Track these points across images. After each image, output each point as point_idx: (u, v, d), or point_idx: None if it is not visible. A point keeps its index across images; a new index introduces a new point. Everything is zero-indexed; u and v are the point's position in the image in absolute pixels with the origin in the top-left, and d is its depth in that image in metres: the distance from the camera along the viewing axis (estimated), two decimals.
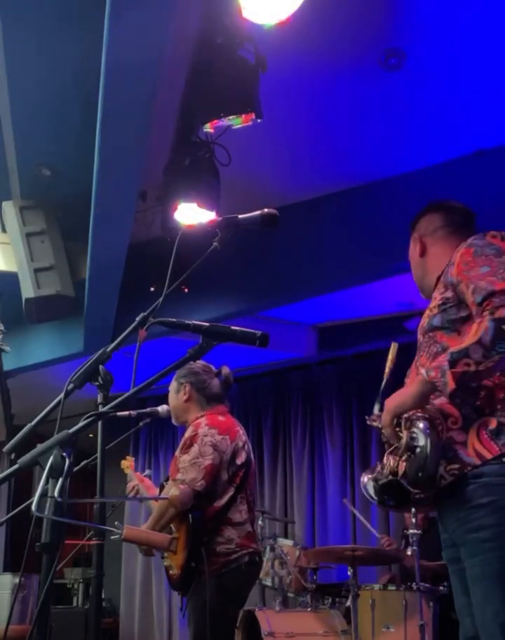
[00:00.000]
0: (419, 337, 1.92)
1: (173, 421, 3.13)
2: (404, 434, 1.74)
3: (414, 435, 1.71)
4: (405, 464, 1.73)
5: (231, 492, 2.83)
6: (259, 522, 4.80)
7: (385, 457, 1.86)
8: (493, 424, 1.67)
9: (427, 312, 1.91)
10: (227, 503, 2.81)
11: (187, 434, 2.92)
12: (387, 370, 2.07)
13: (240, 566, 2.76)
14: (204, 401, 3.02)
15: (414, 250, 2.12)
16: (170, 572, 2.87)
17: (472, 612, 1.75)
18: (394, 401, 1.79)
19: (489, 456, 1.65)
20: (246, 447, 2.97)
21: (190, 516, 2.75)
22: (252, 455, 3.01)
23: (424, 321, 1.91)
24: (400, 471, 1.75)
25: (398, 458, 1.78)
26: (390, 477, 1.80)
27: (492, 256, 1.75)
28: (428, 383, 1.70)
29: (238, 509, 2.84)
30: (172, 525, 2.86)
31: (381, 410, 1.91)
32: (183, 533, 2.79)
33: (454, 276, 1.81)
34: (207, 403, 3.02)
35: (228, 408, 3.09)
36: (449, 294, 1.83)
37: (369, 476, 1.88)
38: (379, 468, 1.89)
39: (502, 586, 1.62)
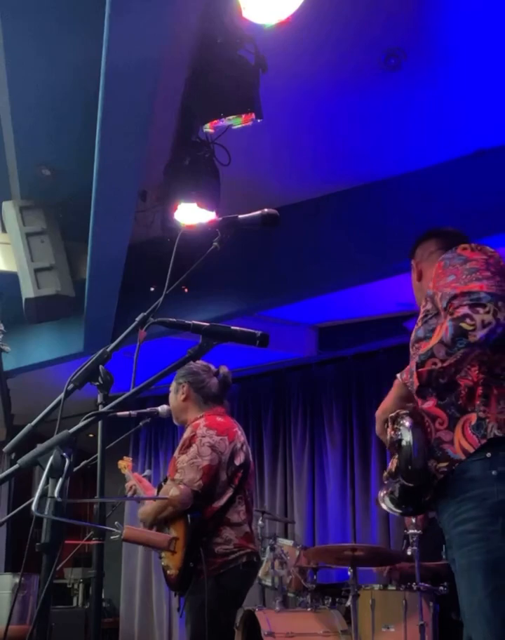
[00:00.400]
0: (410, 350, 2.02)
1: (174, 421, 3.14)
2: (389, 432, 1.85)
3: (399, 430, 1.82)
4: (395, 460, 1.82)
5: (229, 493, 2.83)
6: (259, 522, 4.80)
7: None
8: (474, 419, 1.77)
9: (415, 327, 2.03)
10: (226, 504, 2.82)
11: (186, 434, 2.92)
12: None
13: (239, 567, 2.77)
14: (202, 401, 3.02)
15: (413, 276, 2.24)
16: (168, 572, 2.86)
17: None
18: (378, 410, 1.95)
19: (471, 450, 1.73)
20: (244, 448, 2.97)
21: (188, 516, 2.76)
22: (250, 456, 3.01)
23: (412, 335, 2.03)
24: (393, 469, 1.82)
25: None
26: (399, 481, 1.84)
27: (457, 265, 1.87)
28: (402, 385, 1.87)
29: (236, 510, 2.84)
30: (170, 526, 2.87)
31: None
32: (181, 533, 2.79)
33: (430, 289, 1.94)
34: (205, 403, 3.02)
35: (227, 409, 3.10)
36: (429, 306, 1.95)
37: (385, 491, 1.92)
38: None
39: (486, 576, 1.67)
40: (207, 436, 2.84)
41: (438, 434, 1.81)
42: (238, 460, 2.90)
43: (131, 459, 3.48)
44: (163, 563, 2.92)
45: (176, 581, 2.80)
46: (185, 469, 2.77)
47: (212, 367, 3.12)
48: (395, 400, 1.89)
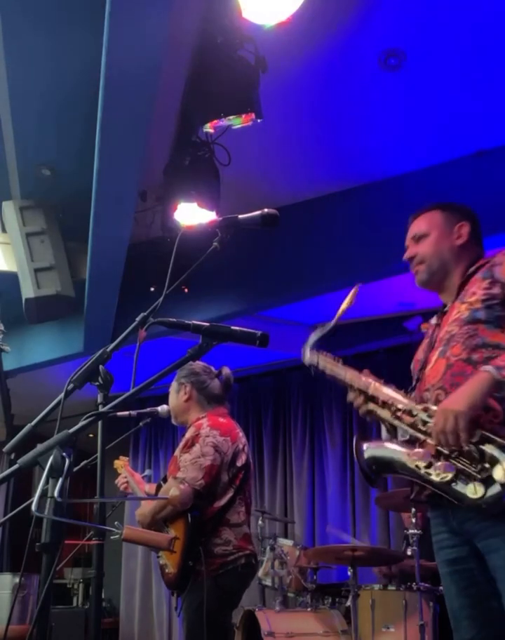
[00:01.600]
0: (451, 328, 1.94)
1: (173, 421, 3.13)
2: (472, 442, 1.72)
3: (497, 461, 1.69)
4: (481, 487, 1.69)
5: (230, 494, 2.83)
6: (259, 522, 4.80)
7: (441, 462, 1.78)
8: None
9: (465, 306, 1.93)
10: (226, 504, 2.82)
11: (188, 434, 2.92)
12: (342, 309, 2.18)
13: (237, 568, 2.77)
14: (205, 402, 3.02)
15: (449, 236, 2.12)
16: (166, 571, 2.87)
17: (472, 614, 1.79)
18: (463, 402, 1.73)
19: None
20: (246, 449, 2.97)
21: (189, 515, 2.76)
22: (250, 458, 3.01)
23: (464, 313, 1.92)
24: (476, 494, 1.70)
25: (472, 478, 1.72)
26: (443, 479, 1.76)
27: None
28: (497, 382, 1.72)
29: (236, 511, 2.84)
30: (169, 525, 2.87)
31: None
32: (181, 532, 2.79)
33: (503, 276, 1.90)
34: (208, 403, 3.02)
35: (228, 410, 3.10)
36: (496, 291, 1.90)
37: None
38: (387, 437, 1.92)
39: None
40: (210, 435, 2.84)
41: (490, 427, 1.74)
42: (240, 462, 2.90)
43: (128, 459, 3.48)
44: (161, 562, 2.93)
45: (174, 580, 2.80)
46: (188, 467, 2.76)
47: (212, 368, 3.12)
48: (485, 397, 1.73)
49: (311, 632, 3.93)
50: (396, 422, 1.93)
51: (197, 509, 2.77)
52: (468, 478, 1.72)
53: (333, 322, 2.18)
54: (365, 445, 1.95)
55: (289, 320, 5.84)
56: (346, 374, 2.12)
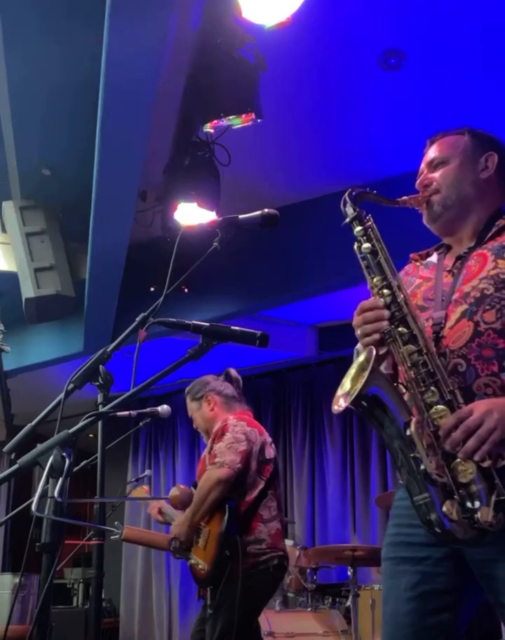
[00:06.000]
0: (483, 285, 1.58)
1: (203, 436, 3.19)
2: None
3: None
4: (455, 508, 1.42)
5: (261, 486, 2.85)
6: None
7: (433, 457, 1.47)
8: None
9: (503, 262, 1.59)
10: (258, 497, 2.83)
11: (216, 427, 2.97)
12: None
13: (269, 568, 2.77)
14: (226, 404, 3.11)
15: (473, 166, 1.77)
16: (198, 568, 2.82)
17: (420, 624, 1.53)
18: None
19: None
20: (272, 445, 3.01)
21: (226, 505, 2.76)
22: (277, 457, 3.08)
23: (504, 271, 1.57)
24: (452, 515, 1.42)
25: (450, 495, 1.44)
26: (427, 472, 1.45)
27: None
28: None
29: (267, 505, 2.86)
30: (205, 524, 2.84)
31: None
32: (215, 526, 2.77)
33: None
34: (227, 404, 3.12)
35: (251, 412, 3.19)
36: None
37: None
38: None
39: None
40: (238, 425, 2.90)
41: None
42: (268, 454, 2.94)
43: (147, 487, 3.51)
44: (191, 562, 2.89)
45: (208, 575, 2.75)
46: (224, 452, 2.79)
47: (215, 375, 3.21)
48: None
49: (311, 632, 3.94)
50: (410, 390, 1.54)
51: (233, 500, 2.78)
52: (446, 493, 1.44)
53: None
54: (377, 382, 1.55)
55: (289, 320, 5.85)
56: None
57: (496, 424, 1.40)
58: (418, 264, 1.84)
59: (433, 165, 1.81)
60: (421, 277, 1.77)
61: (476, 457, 1.40)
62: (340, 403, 1.58)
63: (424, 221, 1.80)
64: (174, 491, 3.08)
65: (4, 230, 4.34)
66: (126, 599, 7.23)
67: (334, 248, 4.70)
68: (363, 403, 1.55)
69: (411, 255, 1.89)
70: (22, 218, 4.16)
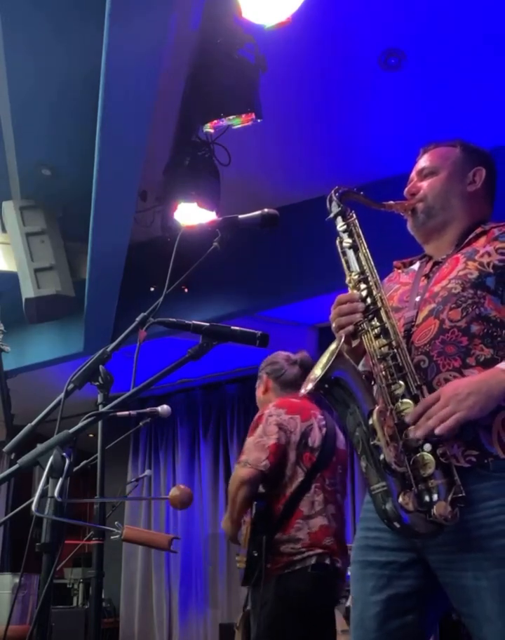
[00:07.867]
0: (452, 285, 1.62)
1: None
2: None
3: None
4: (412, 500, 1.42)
5: (301, 477, 2.63)
6: None
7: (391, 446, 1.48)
8: None
9: (475, 265, 1.62)
10: (298, 491, 2.61)
11: (257, 415, 2.81)
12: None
13: (306, 568, 2.52)
14: (279, 388, 2.95)
15: (461, 179, 1.81)
16: (239, 565, 2.75)
17: (372, 625, 1.54)
18: (474, 400, 1.41)
19: None
20: (324, 431, 2.75)
21: (254, 505, 2.64)
22: (340, 442, 2.81)
23: (473, 273, 1.61)
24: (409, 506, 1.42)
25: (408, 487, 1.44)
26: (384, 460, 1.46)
27: None
28: None
29: (310, 500, 2.62)
30: (245, 522, 2.75)
31: None
32: (249, 524, 2.70)
33: None
34: (283, 389, 2.94)
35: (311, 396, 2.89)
36: None
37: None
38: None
39: None
40: (274, 414, 2.71)
41: None
42: (313, 441, 2.70)
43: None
44: (237, 558, 2.85)
45: (243, 574, 2.64)
46: (251, 449, 2.63)
47: (293, 356, 3.02)
48: (496, 403, 1.45)
49: None
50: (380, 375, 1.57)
51: (264, 500, 2.64)
52: (404, 483, 1.44)
53: None
54: (342, 366, 1.60)
55: (289, 320, 5.84)
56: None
57: (446, 401, 1.42)
58: (400, 271, 1.91)
59: (423, 175, 1.89)
60: (400, 283, 1.85)
61: (438, 431, 1.40)
62: (308, 387, 1.60)
63: (408, 227, 1.88)
64: (174, 491, 3.08)
65: (4, 230, 4.34)
66: (126, 599, 7.23)
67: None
68: (326, 386, 1.58)
69: (394, 263, 1.96)
70: (22, 218, 4.16)
